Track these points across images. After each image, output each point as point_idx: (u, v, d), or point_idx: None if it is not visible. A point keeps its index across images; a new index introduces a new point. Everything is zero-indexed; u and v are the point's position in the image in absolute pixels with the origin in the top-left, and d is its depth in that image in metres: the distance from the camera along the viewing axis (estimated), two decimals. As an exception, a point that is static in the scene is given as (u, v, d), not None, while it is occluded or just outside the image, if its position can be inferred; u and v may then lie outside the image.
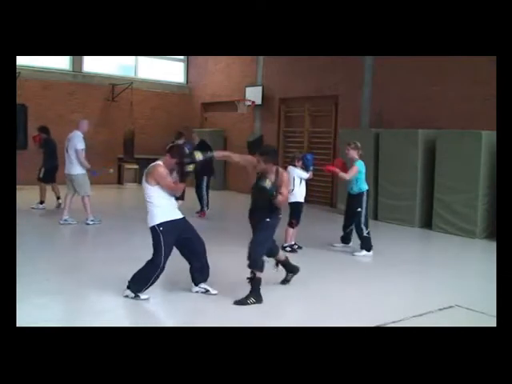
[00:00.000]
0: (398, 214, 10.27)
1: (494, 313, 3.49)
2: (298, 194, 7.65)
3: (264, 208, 5.24)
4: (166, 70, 17.39)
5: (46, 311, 4.76)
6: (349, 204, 7.84)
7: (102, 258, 7.25)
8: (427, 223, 10.06)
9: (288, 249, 7.47)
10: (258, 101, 14.65)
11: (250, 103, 14.76)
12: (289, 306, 5.17)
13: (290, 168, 7.60)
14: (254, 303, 5.02)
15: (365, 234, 7.60)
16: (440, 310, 5.14)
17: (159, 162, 5.09)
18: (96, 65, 15.79)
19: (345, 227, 7.99)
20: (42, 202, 10.43)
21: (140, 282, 5.04)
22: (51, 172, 10.59)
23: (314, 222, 10.20)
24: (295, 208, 7.65)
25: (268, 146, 6.38)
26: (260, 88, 14.68)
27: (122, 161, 15.65)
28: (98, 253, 7.68)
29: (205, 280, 5.32)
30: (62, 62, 15.31)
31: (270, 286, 5.66)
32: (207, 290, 5.29)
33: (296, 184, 7.59)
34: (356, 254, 7.62)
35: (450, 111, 10.36)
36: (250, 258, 5.09)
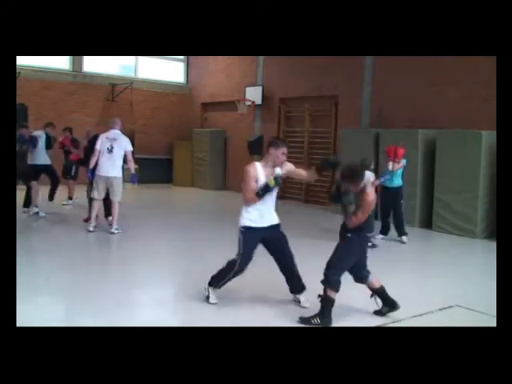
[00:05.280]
0: (398, 213, 10.27)
1: (494, 313, 3.49)
2: None
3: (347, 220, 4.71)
4: (166, 70, 17.40)
5: (46, 311, 4.76)
6: (388, 197, 8.61)
7: (103, 258, 7.26)
8: (427, 223, 10.07)
9: (369, 244, 7.80)
10: (258, 101, 14.65)
11: (249, 103, 14.76)
12: (288, 306, 5.16)
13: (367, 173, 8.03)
14: (319, 324, 4.52)
15: (404, 222, 8.71)
16: (440, 309, 5.14)
17: (255, 162, 4.93)
18: (96, 65, 15.80)
19: (384, 218, 8.80)
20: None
21: (217, 278, 5.03)
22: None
23: (317, 219, 10.21)
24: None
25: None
26: (260, 88, 14.68)
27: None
28: (99, 253, 7.69)
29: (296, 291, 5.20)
30: (62, 62, 15.32)
31: (269, 285, 5.66)
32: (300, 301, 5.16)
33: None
34: (405, 241, 8.62)
35: (450, 111, 10.35)
36: (325, 273, 4.62)
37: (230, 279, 5.00)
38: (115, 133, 8.38)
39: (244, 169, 4.88)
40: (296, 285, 5.18)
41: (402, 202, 8.64)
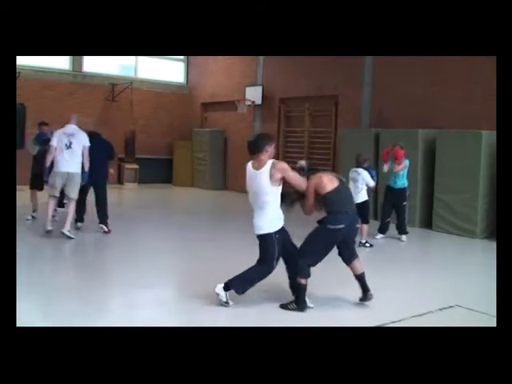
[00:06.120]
0: (398, 213, 10.27)
1: (495, 313, 3.48)
2: (365, 193, 8.22)
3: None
4: (166, 70, 17.39)
5: (46, 312, 4.76)
6: (391, 197, 8.70)
7: (102, 259, 7.26)
8: (427, 223, 10.07)
9: (367, 244, 8.02)
10: (258, 101, 14.65)
11: (249, 103, 14.76)
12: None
13: (361, 170, 8.17)
14: (296, 310, 4.90)
15: (406, 222, 8.75)
16: (440, 309, 5.14)
17: (273, 160, 4.79)
18: (96, 65, 15.79)
19: (384, 218, 8.81)
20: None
21: (243, 284, 4.90)
22: None
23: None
24: (366, 206, 8.18)
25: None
26: (260, 88, 14.68)
27: (123, 161, 15.66)
28: (98, 253, 7.69)
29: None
30: (62, 62, 15.31)
31: (269, 284, 5.66)
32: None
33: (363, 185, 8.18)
34: (403, 239, 8.67)
35: (450, 111, 10.35)
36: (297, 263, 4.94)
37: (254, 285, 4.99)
38: (73, 128, 7.89)
39: (280, 166, 4.77)
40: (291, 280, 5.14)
41: (404, 203, 8.65)
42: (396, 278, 6.47)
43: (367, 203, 8.23)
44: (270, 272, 4.94)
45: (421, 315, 4.92)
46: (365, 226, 7.99)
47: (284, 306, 4.97)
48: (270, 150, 4.87)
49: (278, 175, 4.74)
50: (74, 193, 7.85)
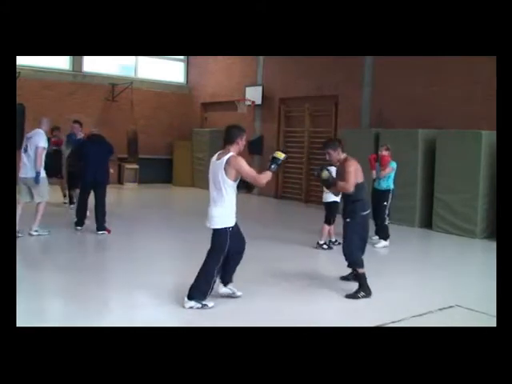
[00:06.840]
0: (398, 213, 10.22)
1: (495, 313, 3.48)
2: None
3: (346, 206, 5.59)
4: (166, 70, 17.39)
5: (45, 312, 4.76)
6: (375, 199, 8.33)
7: (102, 259, 7.26)
8: (427, 223, 10.06)
9: (325, 246, 7.85)
10: (258, 101, 14.64)
11: (249, 103, 14.75)
12: (286, 306, 5.16)
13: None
14: (365, 297, 5.35)
15: (386, 223, 8.26)
16: (440, 309, 5.14)
17: (232, 153, 4.72)
18: (96, 65, 15.79)
19: (376, 220, 8.48)
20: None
21: (202, 289, 4.85)
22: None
23: (312, 219, 10.19)
24: (334, 207, 7.92)
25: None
26: (260, 88, 14.68)
27: (123, 161, 15.66)
28: (98, 254, 7.69)
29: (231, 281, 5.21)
30: (62, 62, 15.32)
31: (271, 281, 5.65)
32: (234, 292, 5.19)
33: None
34: (376, 246, 8.08)
35: (450, 111, 10.35)
36: (346, 259, 5.49)
37: (213, 285, 4.93)
38: (34, 131, 7.85)
39: (235, 162, 4.67)
40: (230, 275, 5.17)
41: (385, 203, 8.20)
42: (396, 278, 6.47)
43: (337, 204, 7.80)
44: (217, 266, 4.88)
45: (421, 315, 4.92)
46: (326, 227, 7.82)
47: (353, 296, 5.34)
48: (241, 143, 4.83)
49: (232, 171, 4.69)
50: (40, 197, 7.76)
